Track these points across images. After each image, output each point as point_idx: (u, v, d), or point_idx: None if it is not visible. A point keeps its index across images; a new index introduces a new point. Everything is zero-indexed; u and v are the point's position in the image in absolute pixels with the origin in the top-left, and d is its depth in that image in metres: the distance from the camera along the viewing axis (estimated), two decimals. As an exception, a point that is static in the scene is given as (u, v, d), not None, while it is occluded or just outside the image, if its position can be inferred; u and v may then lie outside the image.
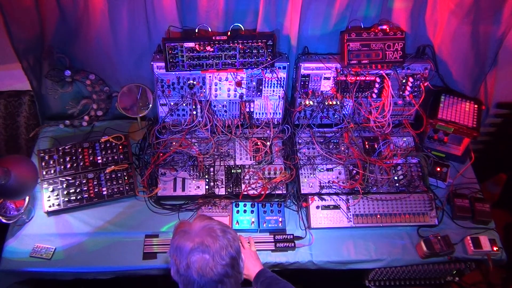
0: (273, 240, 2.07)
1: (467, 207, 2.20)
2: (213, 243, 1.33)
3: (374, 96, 2.30)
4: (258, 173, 2.21)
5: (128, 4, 2.02)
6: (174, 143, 2.26)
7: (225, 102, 2.31)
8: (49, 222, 2.11)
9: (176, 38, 2.11)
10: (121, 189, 2.20)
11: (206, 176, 2.21)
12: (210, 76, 2.19)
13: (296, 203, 2.21)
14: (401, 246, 2.11)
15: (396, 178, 2.23)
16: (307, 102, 2.29)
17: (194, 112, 2.30)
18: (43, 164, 2.21)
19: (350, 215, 2.14)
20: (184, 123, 2.30)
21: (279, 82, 2.23)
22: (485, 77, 2.31)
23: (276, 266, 2.08)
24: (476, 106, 2.31)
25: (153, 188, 2.17)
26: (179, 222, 1.47)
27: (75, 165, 2.22)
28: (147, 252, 2.00)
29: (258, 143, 2.29)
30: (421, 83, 2.26)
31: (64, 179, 2.18)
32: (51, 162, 2.22)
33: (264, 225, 2.11)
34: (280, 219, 2.13)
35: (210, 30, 2.13)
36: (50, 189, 2.15)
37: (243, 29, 2.11)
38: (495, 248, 2.08)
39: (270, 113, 2.35)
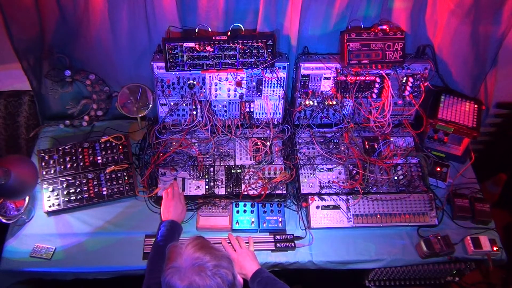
0: (273, 240, 2.07)
1: (467, 207, 2.20)
2: (202, 284, 1.29)
3: (374, 96, 2.31)
4: (258, 173, 2.22)
5: (128, 4, 2.02)
6: (174, 143, 2.26)
7: (225, 102, 2.31)
8: (49, 222, 2.11)
9: (176, 38, 2.11)
10: (121, 189, 2.20)
11: (206, 176, 2.21)
12: (210, 76, 2.19)
13: (296, 203, 2.21)
14: (401, 246, 2.11)
15: (396, 178, 2.23)
16: (307, 102, 2.29)
17: (194, 112, 2.30)
18: (43, 164, 2.21)
19: (350, 215, 2.14)
20: (184, 123, 2.30)
21: (279, 82, 2.23)
22: (485, 77, 2.31)
23: (276, 266, 2.08)
24: (476, 106, 2.31)
25: (153, 188, 2.17)
26: (171, 246, 1.41)
27: (75, 165, 2.22)
28: (147, 252, 2.00)
29: (258, 143, 2.29)
30: (421, 83, 2.27)
31: (64, 179, 2.18)
32: (51, 162, 2.22)
33: (264, 225, 2.11)
34: (280, 219, 2.13)
35: (210, 30, 2.13)
36: (50, 189, 2.15)
37: (243, 29, 2.11)
38: (495, 248, 2.08)
39: (270, 113, 2.35)
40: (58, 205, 2.13)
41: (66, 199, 2.14)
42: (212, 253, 1.36)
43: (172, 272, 1.32)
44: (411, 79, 2.25)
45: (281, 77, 2.21)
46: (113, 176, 2.22)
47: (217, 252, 1.38)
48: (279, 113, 2.36)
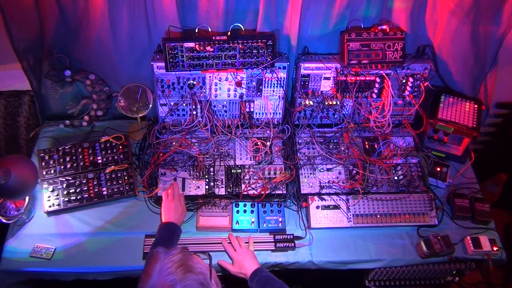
0: (273, 240, 2.07)
1: (467, 207, 2.20)
2: None
3: (374, 96, 2.31)
4: (258, 173, 2.21)
5: (128, 4, 2.02)
6: (174, 143, 2.26)
7: (225, 102, 2.31)
8: (49, 222, 2.11)
9: (176, 38, 2.11)
10: (121, 189, 2.20)
11: (206, 176, 2.21)
12: (210, 76, 2.19)
13: (296, 203, 2.21)
14: (401, 246, 2.11)
15: (396, 178, 2.23)
16: (307, 102, 2.29)
17: (194, 112, 2.30)
18: (43, 164, 2.21)
19: (350, 215, 2.14)
20: (184, 123, 2.30)
21: (279, 82, 2.23)
22: (485, 77, 2.31)
23: (276, 266, 2.08)
24: (476, 106, 2.31)
25: (153, 188, 2.17)
26: (154, 252, 1.36)
27: (75, 165, 2.22)
28: (147, 252, 2.00)
29: (258, 143, 2.29)
30: (421, 83, 2.26)
31: (64, 179, 2.18)
32: (51, 162, 2.22)
33: (264, 225, 2.11)
34: (280, 219, 2.13)
35: (210, 30, 2.12)
36: (50, 189, 2.15)
37: (243, 29, 2.11)
38: (495, 248, 2.07)
39: (270, 113, 2.35)
40: (58, 205, 2.13)
41: (66, 199, 2.14)
42: (186, 278, 1.26)
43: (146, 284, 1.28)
44: (411, 79, 2.25)
45: (281, 77, 2.21)
46: (113, 176, 2.22)
47: (193, 275, 1.28)
48: (279, 113, 2.36)
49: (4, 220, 2.04)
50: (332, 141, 2.31)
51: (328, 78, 2.24)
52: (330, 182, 2.20)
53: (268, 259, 2.04)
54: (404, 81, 2.27)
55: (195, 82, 2.21)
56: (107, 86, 2.42)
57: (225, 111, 2.34)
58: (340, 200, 2.16)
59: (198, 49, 2.05)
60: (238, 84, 2.23)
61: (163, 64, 2.10)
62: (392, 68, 2.21)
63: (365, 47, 2.11)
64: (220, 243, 2.03)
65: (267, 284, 1.74)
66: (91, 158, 2.25)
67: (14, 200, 2.08)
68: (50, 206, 2.12)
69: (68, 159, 2.22)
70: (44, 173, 2.19)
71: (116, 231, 2.09)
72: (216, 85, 2.24)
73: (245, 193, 2.17)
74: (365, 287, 2.41)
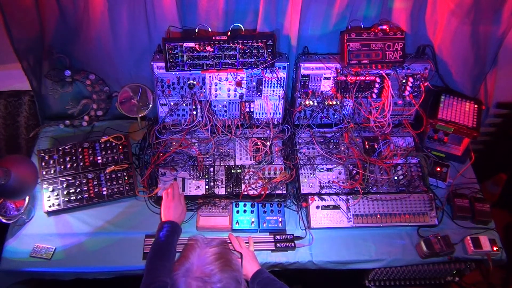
0: (273, 240, 2.07)
1: (467, 207, 2.20)
2: None
3: (374, 96, 2.31)
4: (258, 173, 2.21)
5: (128, 4, 2.02)
6: (174, 143, 2.27)
7: (225, 102, 2.31)
8: (49, 222, 2.11)
9: (176, 38, 2.11)
10: (121, 189, 2.20)
11: (206, 176, 2.21)
12: (210, 76, 2.19)
13: (296, 203, 2.21)
14: (401, 246, 2.11)
15: (396, 178, 2.23)
16: (307, 102, 2.29)
17: (194, 112, 2.30)
18: (43, 164, 2.21)
19: (350, 215, 2.14)
20: (184, 123, 2.30)
21: (279, 82, 2.23)
22: (485, 77, 2.31)
23: (276, 266, 2.08)
24: (476, 106, 2.31)
25: (153, 188, 2.17)
26: (192, 238, 1.45)
27: (75, 165, 2.22)
28: (147, 252, 2.00)
29: (258, 143, 2.29)
30: (421, 83, 2.26)
31: (64, 179, 2.18)
32: (51, 162, 2.22)
33: (264, 225, 2.11)
34: (280, 219, 2.13)
35: (210, 30, 2.13)
36: (50, 189, 2.15)
37: (243, 29, 2.11)
38: (495, 248, 2.07)
39: (270, 113, 2.35)
40: (58, 205, 2.13)
41: (66, 199, 2.14)
42: (225, 271, 1.35)
43: (181, 274, 1.35)
44: (411, 79, 2.25)
45: (281, 77, 2.21)
46: (113, 176, 2.22)
47: (231, 271, 1.37)
48: (279, 113, 2.36)
49: (4, 220, 2.05)
50: (332, 141, 2.31)
51: (328, 78, 2.24)
52: (330, 182, 2.20)
53: (268, 259, 2.04)
54: (404, 81, 2.27)
55: (195, 82, 2.21)
56: (107, 86, 2.42)
57: (225, 111, 2.34)
58: (340, 200, 2.16)
59: (198, 49, 2.05)
60: (238, 84, 2.23)
61: (163, 64, 2.10)
62: (392, 68, 2.21)
63: (365, 47, 2.11)
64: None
65: (268, 286, 1.74)
66: (91, 158, 2.25)
67: (14, 200, 2.08)
68: (50, 206, 2.12)
69: (68, 159, 2.22)
70: (44, 173, 2.19)
71: (116, 231, 2.09)
72: (216, 85, 2.24)
73: (245, 193, 2.17)
74: (365, 287, 2.42)
